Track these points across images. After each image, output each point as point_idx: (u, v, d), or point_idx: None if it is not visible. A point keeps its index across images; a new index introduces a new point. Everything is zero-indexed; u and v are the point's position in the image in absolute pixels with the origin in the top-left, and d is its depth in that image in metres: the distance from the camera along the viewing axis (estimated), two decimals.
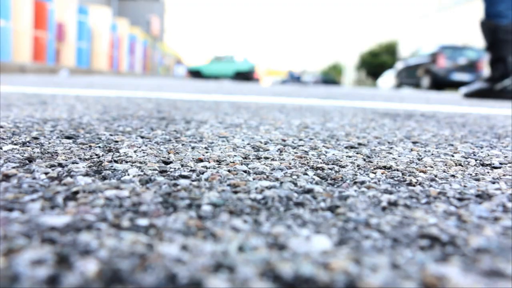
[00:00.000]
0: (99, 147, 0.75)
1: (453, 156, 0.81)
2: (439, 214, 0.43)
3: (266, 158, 0.72)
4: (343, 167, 0.66)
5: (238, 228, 0.37)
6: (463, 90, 3.45)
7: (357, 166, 0.67)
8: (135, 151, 0.72)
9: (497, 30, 2.55)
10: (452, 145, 0.97)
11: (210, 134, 0.98)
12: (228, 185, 0.52)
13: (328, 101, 2.69)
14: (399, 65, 14.25)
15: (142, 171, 0.58)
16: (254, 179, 0.56)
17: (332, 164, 0.68)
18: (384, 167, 0.67)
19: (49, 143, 0.77)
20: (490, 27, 2.58)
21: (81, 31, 11.41)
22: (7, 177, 0.51)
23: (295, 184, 0.53)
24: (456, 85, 11.42)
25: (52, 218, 0.38)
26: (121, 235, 0.34)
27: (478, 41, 20.45)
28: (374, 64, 33.19)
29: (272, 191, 0.49)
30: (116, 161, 0.64)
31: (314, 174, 0.60)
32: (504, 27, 2.50)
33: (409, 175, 0.62)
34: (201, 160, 0.67)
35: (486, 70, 11.27)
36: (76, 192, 0.46)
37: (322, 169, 0.64)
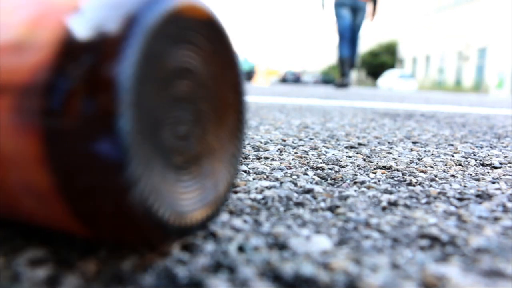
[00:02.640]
0: None
1: (453, 156, 0.81)
2: (439, 214, 0.43)
3: (266, 158, 0.72)
4: (343, 167, 0.66)
5: (238, 228, 0.37)
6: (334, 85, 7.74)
7: (357, 166, 0.67)
8: None
9: (341, 60, 6.08)
10: (452, 145, 0.97)
11: None
12: None
13: (328, 101, 2.69)
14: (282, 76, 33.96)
15: None
16: (254, 179, 0.56)
17: (332, 164, 0.68)
18: (384, 167, 0.67)
19: None
20: (339, 59, 6.05)
21: None
22: None
23: (295, 184, 0.53)
24: (290, 82, 30.19)
25: None
26: None
27: (477, 40, 20.44)
28: (374, 64, 33.12)
29: (272, 191, 0.49)
30: None
31: (314, 174, 0.60)
32: (343, 59, 5.98)
33: (409, 175, 0.62)
34: None
35: (303, 78, 31.90)
36: None
37: (322, 169, 0.64)
